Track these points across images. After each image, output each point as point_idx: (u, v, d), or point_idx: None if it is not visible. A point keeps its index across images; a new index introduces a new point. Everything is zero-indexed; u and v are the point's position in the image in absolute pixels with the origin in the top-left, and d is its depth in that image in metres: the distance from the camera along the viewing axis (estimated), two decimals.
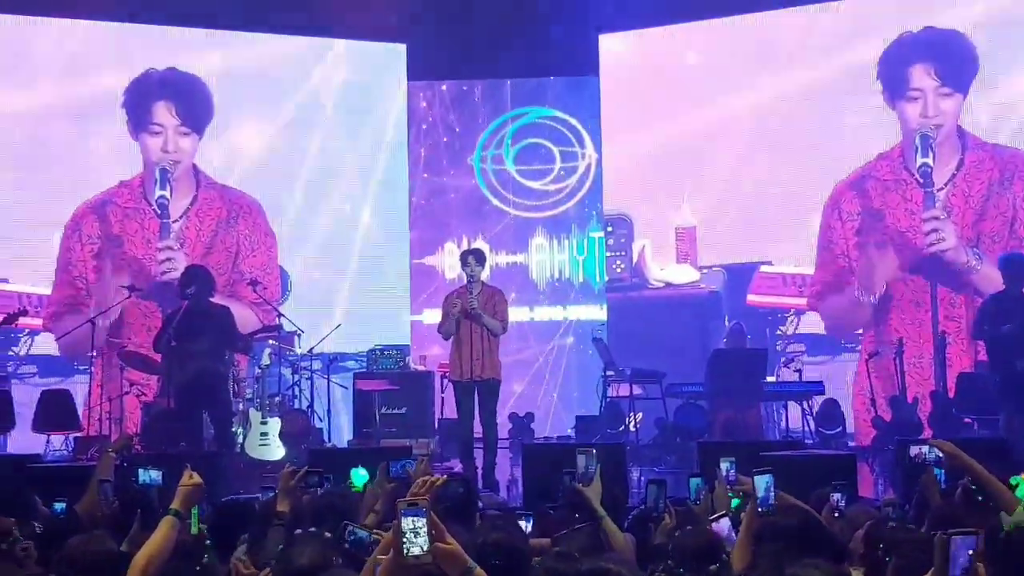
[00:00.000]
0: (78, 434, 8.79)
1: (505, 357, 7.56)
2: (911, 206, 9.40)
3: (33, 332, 9.67)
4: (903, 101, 9.48)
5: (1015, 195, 9.09)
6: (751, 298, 9.91)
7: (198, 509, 3.50)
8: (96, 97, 10.07)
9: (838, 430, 8.55)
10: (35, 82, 9.96)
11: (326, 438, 8.96)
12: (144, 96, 10.11)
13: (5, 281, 9.67)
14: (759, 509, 3.53)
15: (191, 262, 9.06)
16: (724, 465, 4.22)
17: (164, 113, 10.12)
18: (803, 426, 8.62)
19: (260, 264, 10.17)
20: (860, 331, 9.47)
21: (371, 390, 8.84)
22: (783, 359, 9.23)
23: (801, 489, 4.09)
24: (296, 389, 8.97)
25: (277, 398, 8.57)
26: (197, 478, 3.42)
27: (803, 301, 9.74)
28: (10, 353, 9.67)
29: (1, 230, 9.66)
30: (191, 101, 10.21)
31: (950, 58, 9.31)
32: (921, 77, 9.39)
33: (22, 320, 8.53)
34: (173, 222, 10.06)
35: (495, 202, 11.20)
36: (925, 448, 4.23)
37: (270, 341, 8.80)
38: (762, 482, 3.52)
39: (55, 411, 8.74)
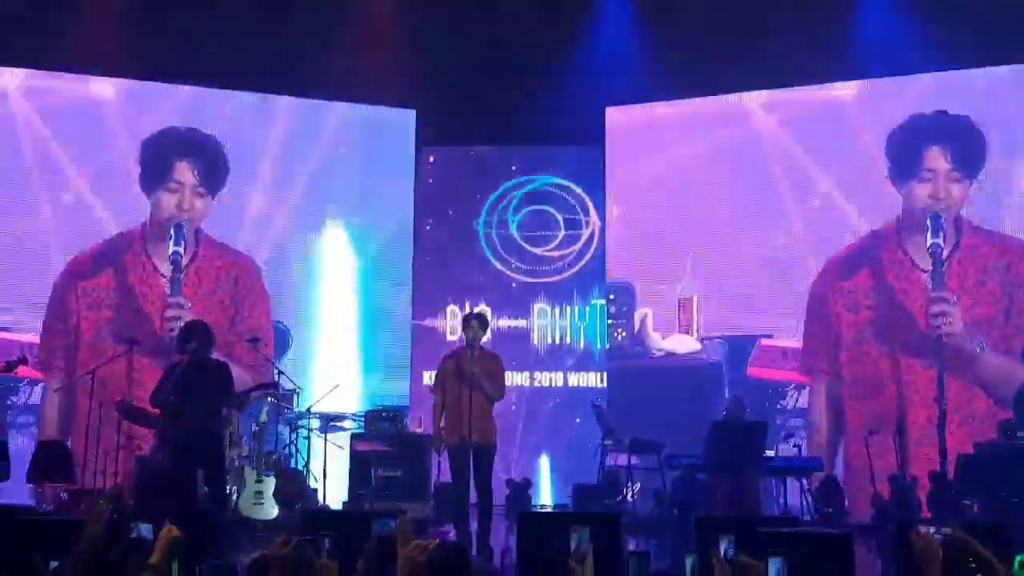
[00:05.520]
0: (72, 486, 8.73)
1: (503, 422, 7.54)
2: (905, 285, 9.44)
3: (33, 382, 9.66)
4: (913, 180, 9.57)
5: (1010, 282, 9.13)
6: (751, 370, 9.91)
7: (179, 562, 3.50)
8: (100, 150, 10.18)
9: (837, 508, 8.47)
10: (37, 130, 10.08)
11: (321, 499, 8.88)
12: (165, 152, 10.26)
13: (7, 329, 9.68)
14: None
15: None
16: (723, 544, 4.18)
17: (184, 171, 10.25)
18: (801, 502, 8.55)
19: (257, 325, 10.19)
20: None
21: (367, 451, 8.80)
22: (783, 433, 9.18)
23: (799, 568, 4.05)
24: (293, 448, 8.92)
25: (273, 456, 8.51)
26: (175, 531, 3.43)
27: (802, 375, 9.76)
28: (8, 402, 9.65)
29: (2, 278, 9.73)
30: (210, 162, 10.36)
31: (963, 144, 9.43)
32: (936, 159, 9.50)
33: (22, 369, 8.56)
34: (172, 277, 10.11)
35: (498, 266, 11.26)
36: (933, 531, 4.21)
37: (268, 398, 8.77)
38: (775, 565, 3.48)
39: (51, 462, 8.68)
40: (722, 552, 4.28)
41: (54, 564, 4.40)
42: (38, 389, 9.63)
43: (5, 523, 5.84)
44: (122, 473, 8.74)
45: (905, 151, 9.62)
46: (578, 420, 10.66)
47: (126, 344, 9.26)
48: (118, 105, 10.34)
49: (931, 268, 9.22)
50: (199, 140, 10.36)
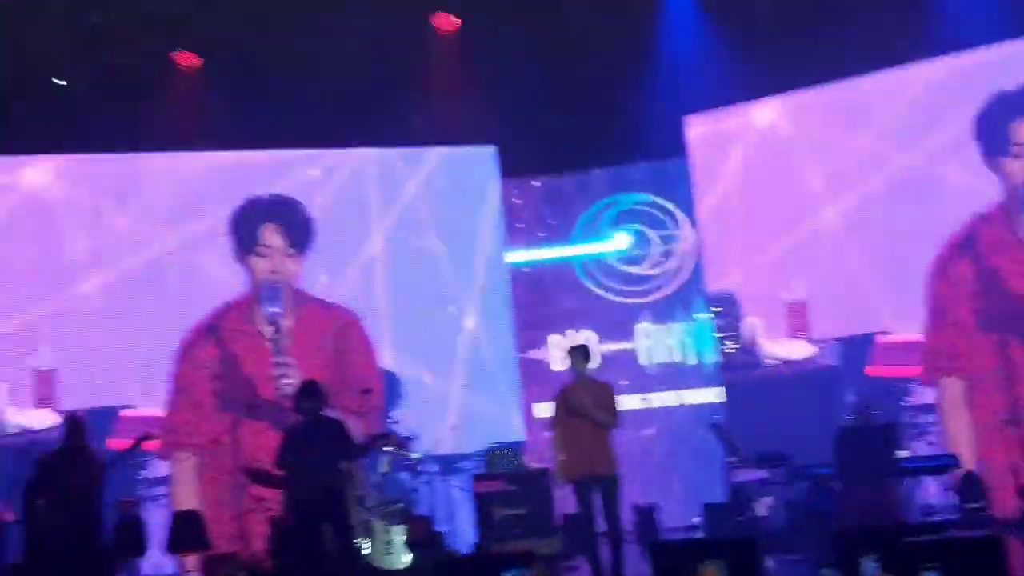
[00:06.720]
0: (209, 552, 8.95)
1: (622, 447, 7.46)
2: (1016, 267, 9.02)
3: (161, 455, 9.94)
4: (1005, 157, 9.18)
5: None
6: (871, 369, 9.59)
7: None
8: (201, 224, 10.49)
9: (981, 503, 8.12)
10: (146, 213, 10.44)
11: (450, 542, 8.91)
12: (252, 220, 10.52)
13: (132, 407, 10.00)
14: None
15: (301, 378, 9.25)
16: (869, 566, 4.02)
17: (272, 235, 10.49)
18: (943, 501, 8.22)
19: (363, 374, 10.31)
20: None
21: (489, 492, 8.80)
22: (914, 432, 8.86)
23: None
24: (416, 494, 8.98)
25: (399, 505, 8.57)
26: None
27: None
28: (139, 477, 9.95)
29: (124, 356, 10.07)
30: (296, 224, 10.58)
31: None
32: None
33: (150, 443, 8.81)
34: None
35: (596, 291, 11.19)
36: None
37: (386, 448, 8.84)
38: None
39: (187, 531, 8.90)
40: (868, 572, 4.12)
41: None
42: (167, 462, 9.90)
43: None
44: (256, 535, 8.92)
45: (993, 128, 9.25)
46: (697, 438, 10.47)
47: (244, 410, 9.49)
48: (207, 177, 10.63)
49: None
50: (283, 203, 10.60)
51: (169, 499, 9.87)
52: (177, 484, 9.94)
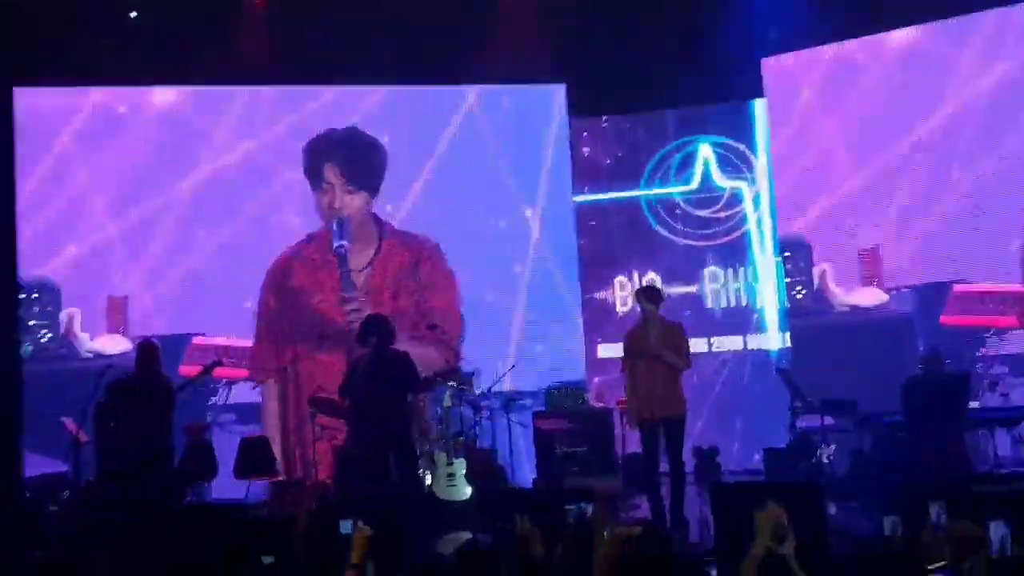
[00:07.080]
0: (276, 478, 9.18)
1: (685, 390, 7.41)
2: None
3: (231, 382, 10.17)
4: None
5: None
6: (946, 318, 9.35)
7: (374, 562, 3.59)
8: (277, 157, 10.60)
9: None
10: (229, 144, 10.56)
11: (510, 477, 9.01)
12: (316, 157, 10.54)
13: (202, 334, 10.23)
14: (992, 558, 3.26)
15: (377, 309, 9.34)
16: (933, 510, 3.95)
17: (331, 172, 10.51)
18: (1014, 453, 8.05)
19: (441, 304, 10.41)
20: None
21: (551, 429, 8.85)
22: (987, 382, 8.65)
23: None
24: (478, 428, 9.07)
25: (461, 438, 8.68)
26: (367, 530, 3.52)
27: (1006, 320, 9.11)
28: (210, 403, 10.21)
29: (197, 286, 10.28)
30: (359, 161, 10.57)
31: None
32: None
33: (220, 370, 9.04)
34: (360, 271, 10.41)
35: (664, 232, 11.06)
36: None
37: (449, 383, 8.94)
38: (997, 531, 3.25)
39: (254, 457, 9.14)
40: (934, 519, 4.04)
41: (268, 559, 4.62)
42: (236, 389, 10.11)
43: (221, 522, 6.19)
44: (323, 464, 9.11)
45: None
46: (762, 383, 10.36)
47: (316, 340, 9.64)
48: (280, 111, 10.68)
49: None
50: (344, 140, 10.56)
51: (263, 425, 10.07)
52: (264, 411, 10.17)
